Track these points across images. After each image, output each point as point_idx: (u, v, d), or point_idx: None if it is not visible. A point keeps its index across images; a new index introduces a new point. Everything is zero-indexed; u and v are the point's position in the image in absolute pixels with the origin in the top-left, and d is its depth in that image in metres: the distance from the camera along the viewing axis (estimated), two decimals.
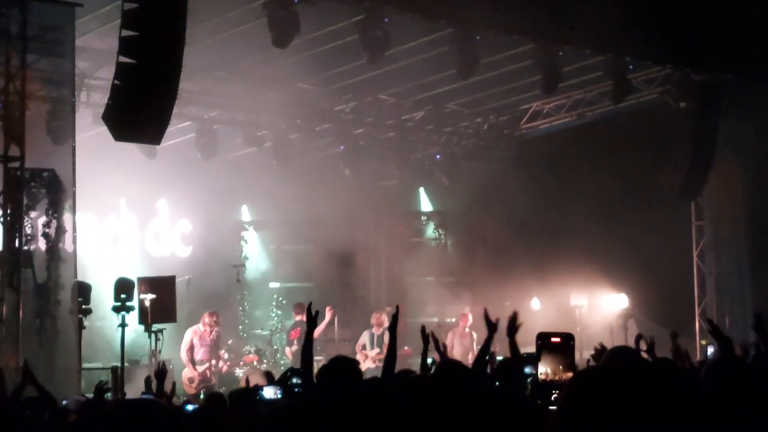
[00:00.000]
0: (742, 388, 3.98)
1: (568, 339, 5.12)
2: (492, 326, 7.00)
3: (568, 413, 2.89)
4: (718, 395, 4.00)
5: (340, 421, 3.78)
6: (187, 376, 16.44)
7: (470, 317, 17.92)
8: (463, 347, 17.55)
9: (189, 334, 16.69)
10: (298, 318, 18.54)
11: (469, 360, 14.86)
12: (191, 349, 16.62)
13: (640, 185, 19.07)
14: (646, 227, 18.49)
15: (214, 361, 16.85)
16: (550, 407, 4.60)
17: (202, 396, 15.12)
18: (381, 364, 8.69)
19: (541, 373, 5.03)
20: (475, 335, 17.51)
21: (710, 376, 4.32)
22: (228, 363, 17.62)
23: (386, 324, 18.54)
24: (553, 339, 5.08)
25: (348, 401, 5.33)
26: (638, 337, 9.01)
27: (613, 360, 5.34)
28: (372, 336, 17.63)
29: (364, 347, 17.67)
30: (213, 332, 16.84)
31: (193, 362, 16.58)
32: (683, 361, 8.69)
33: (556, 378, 4.97)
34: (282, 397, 7.84)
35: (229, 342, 18.45)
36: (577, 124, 20.91)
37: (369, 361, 17.00)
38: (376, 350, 17.20)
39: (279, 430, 3.31)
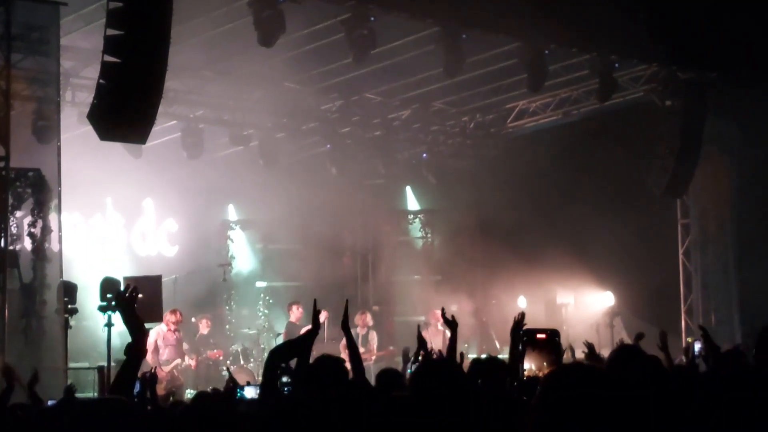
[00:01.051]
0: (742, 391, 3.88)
1: (553, 335, 5.09)
2: (452, 324, 7.02)
3: (543, 410, 2.88)
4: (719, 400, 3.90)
5: (328, 419, 3.76)
6: None
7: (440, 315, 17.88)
8: (435, 346, 17.51)
9: (153, 336, 16.58)
10: (291, 318, 18.41)
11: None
12: (156, 350, 16.57)
13: (626, 183, 19.12)
14: (632, 225, 18.55)
15: (179, 360, 16.82)
16: None
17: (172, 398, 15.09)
18: (366, 363, 8.68)
19: (526, 370, 4.99)
20: (448, 333, 17.38)
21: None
22: (196, 360, 17.44)
23: (370, 323, 18.56)
24: (539, 335, 5.05)
25: (335, 399, 5.31)
26: (639, 336, 8.99)
27: (618, 359, 5.23)
28: (356, 335, 17.61)
29: None
30: (176, 331, 16.81)
31: (159, 363, 16.55)
32: (670, 359, 8.69)
33: (541, 374, 4.92)
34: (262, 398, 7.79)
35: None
36: (563, 123, 20.94)
37: None
38: (361, 350, 17.19)
39: (269, 429, 3.30)
